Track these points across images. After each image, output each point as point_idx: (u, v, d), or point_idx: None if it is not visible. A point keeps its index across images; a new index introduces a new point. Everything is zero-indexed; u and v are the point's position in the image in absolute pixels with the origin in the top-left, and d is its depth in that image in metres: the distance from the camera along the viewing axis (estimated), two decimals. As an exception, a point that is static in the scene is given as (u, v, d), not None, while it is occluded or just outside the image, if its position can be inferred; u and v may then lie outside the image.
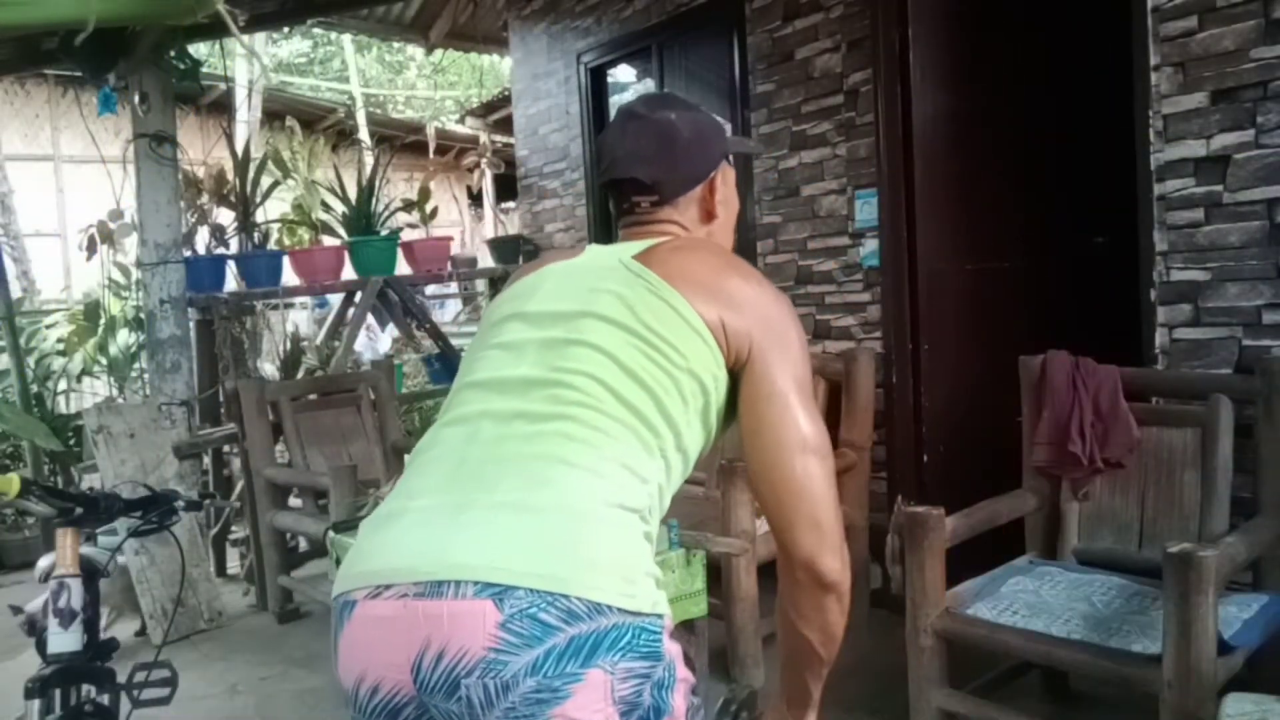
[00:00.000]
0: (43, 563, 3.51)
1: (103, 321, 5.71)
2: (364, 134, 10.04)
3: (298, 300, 7.22)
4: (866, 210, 3.65)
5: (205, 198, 5.05)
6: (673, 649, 1.13)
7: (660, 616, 1.12)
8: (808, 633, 1.27)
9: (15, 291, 6.16)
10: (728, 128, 3.42)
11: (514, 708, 1.03)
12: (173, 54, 4.60)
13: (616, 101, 5.20)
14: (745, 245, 4.04)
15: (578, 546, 1.09)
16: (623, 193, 1.42)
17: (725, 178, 1.46)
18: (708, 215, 1.44)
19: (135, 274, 5.34)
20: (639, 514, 1.17)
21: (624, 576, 1.09)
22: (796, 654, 1.31)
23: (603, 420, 1.17)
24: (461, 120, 10.39)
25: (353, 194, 5.15)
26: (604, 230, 5.09)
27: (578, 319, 1.25)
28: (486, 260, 6.66)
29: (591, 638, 1.05)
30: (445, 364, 5.59)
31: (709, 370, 1.23)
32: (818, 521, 1.22)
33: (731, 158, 1.49)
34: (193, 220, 5.01)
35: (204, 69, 5.37)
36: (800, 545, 1.22)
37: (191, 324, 4.81)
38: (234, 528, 4.88)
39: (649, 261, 1.29)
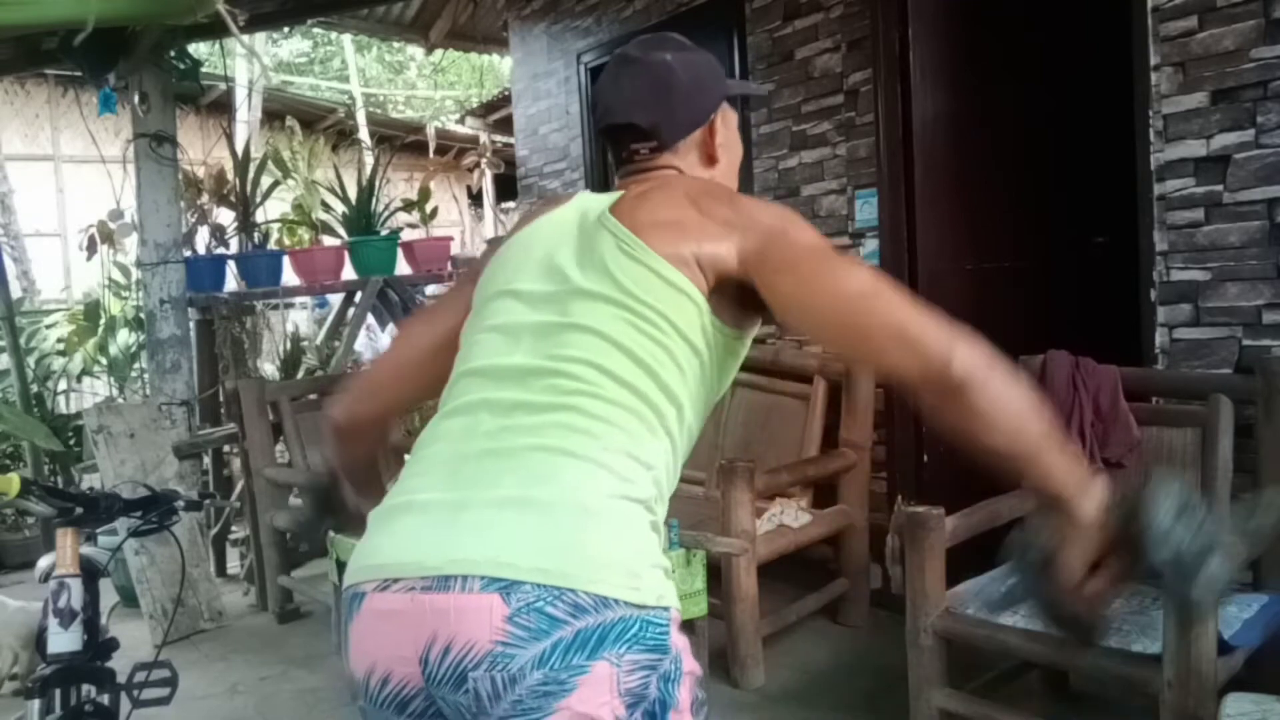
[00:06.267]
0: (43, 563, 3.51)
1: (103, 321, 5.71)
2: (364, 134, 10.02)
3: (298, 300, 7.21)
4: (866, 210, 3.65)
5: (205, 198, 5.05)
6: (680, 642, 1.12)
7: (667, 609, 1.11)
8: (996, 437, 1.07)
9: (15, 291, 6.14)
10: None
11: (521, 700, 1.03)
12: (173, 54, 4.60)
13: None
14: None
15: (583, 541, 1.08)
16: (620, 140, 1.37)
17: (726, 120, 1.40)
18: (709, 160, 1.39)
19: (135, 274, 5.34)
20: (644, 504, 1.15)
21: (629, 570, 1.09)
22: (1018, 458, 1.09)
23: (604, 408, 1.15)
24: (461, 120, 10.38)
25: (353, 194, 5.14)
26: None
27: (567, 300, 1.22)
28: (486, 260, 6.64)
29: (598, 630, 1.04)
30: (445, 364, 5.57)
31: (696, 328, 1.20)
32: (906, 338, 1.09)
33: (734, 100, 1.43)
34: (193, 220, 5.01)
35: (204, 69, 5.36)
36: (912, 372, 1.09)
37: (191, 324, 4.81)
38: (234, 528, 4.88)
39: (620, 213, 1.26)
